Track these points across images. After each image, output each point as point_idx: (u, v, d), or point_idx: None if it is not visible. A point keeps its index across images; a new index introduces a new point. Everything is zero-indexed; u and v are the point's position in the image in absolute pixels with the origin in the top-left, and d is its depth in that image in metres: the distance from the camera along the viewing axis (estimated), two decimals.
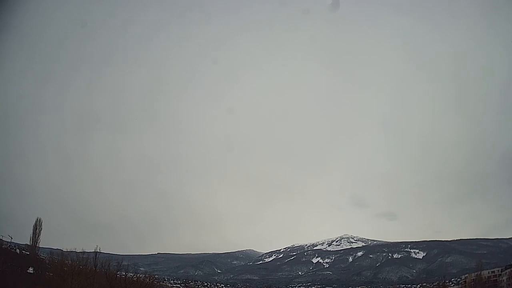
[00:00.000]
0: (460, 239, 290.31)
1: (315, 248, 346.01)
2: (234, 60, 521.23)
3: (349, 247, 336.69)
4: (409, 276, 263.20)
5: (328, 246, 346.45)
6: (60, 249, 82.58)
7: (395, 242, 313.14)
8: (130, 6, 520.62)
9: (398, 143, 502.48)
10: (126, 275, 79.93)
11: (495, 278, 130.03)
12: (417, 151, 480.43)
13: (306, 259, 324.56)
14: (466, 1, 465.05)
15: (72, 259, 67.23)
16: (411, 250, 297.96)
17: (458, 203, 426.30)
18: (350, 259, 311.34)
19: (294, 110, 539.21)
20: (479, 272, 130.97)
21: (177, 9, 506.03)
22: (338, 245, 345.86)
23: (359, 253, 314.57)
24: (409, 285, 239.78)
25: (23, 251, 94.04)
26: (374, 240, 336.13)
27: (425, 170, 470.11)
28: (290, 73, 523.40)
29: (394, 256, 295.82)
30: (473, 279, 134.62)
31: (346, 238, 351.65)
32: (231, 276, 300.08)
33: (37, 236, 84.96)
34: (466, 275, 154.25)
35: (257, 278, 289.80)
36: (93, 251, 74.50)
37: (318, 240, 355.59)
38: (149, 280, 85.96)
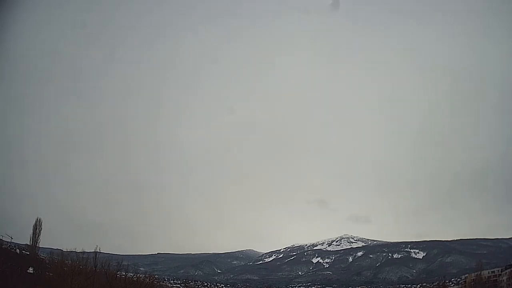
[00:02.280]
0: (460, 239, 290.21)
1: (315, 248, 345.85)
2: (233, 60, 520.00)
3: (349, 247, 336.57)
4: (409, 276, 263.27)
5: (328, 246, 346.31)
6: (60, 249, 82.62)
7: (395, 242, 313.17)
8: (128, 8, 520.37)
9: (394, 134, 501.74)
10: (126, 275, 79.90)
11: (495, 278, 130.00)
12: (412, 149, 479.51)
13: (306, 259, 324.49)
14: (464, 1, 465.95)
15: (72, 259, 67.25)
16: (411, 250, 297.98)
17: (457, 203, 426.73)
18: (350, 259, 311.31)
19: (294, 110, 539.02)
20: (479, 272, 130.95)
21: (176, 10, 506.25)
22: (338, 245, 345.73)
23: (359, 253, 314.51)
24: (409, 285, 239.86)
25: (23, 251, 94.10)
26: (374, 240, 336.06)
27: (421, 169, 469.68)
28: (289, 74, 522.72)
29: (394, 256, 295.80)
30: (473, 279, 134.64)
31: (346, 238, 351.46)
32: (231, 276, 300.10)
33: (37, 236, 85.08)
34: (466, 275, 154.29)
35: (257, 278, 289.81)
36: (93, 251, 74.60)
37: (318, 240, 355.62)
38: (149, 280, 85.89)
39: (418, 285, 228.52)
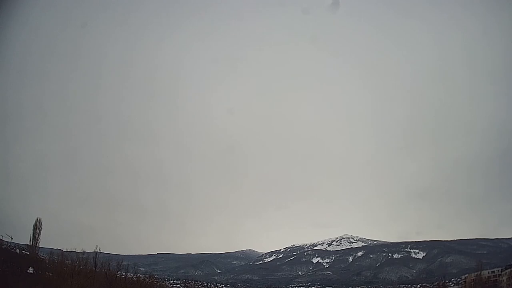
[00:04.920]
0: (460, 239, 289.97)
1: (315, 248, 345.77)
2: (233, 60, 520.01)
3: (349, 247, 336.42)
4: (409, 276, 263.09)
5: (328, 246, 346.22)
6: (60, 249, 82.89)
7: (395, 242, 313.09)
8: (125, 5, 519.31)
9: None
10: (126, 275, 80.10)
11: (495, 278, 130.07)
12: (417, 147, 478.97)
13: (306, 259, 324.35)
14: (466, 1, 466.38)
15: (72, 259, 67.51)
16: (411, 250, 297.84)
17: (458, 203, 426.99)
18: (350, 259, 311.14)
19: (294, 111, 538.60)
20: (479, 272, 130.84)
21: (175, 9, 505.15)
22: (338, 245, 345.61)
23: (359, 253, 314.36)
24: (409, 285, 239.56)
25: (23, 251, 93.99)
26: (374, 240, 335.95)
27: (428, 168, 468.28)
28: (288, 74, 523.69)
29: (394, 256, 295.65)
30: (473, 279, 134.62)
31: (346, 238, 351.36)
32: (231, 276, 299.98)
33: (37, 236, 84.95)
34: (466, 275, 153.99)
35: (257, 278, 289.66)
36: (93, 251, 74.72)
37: (318, 240, 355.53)
38: (149, 280, 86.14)
39: (418, 285, 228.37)
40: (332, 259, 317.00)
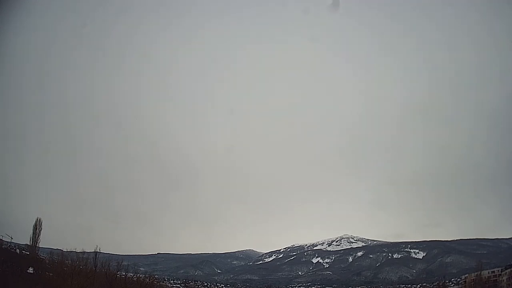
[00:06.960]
0: (460, 239, 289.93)
1: (315, 248, 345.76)
2: (232, 60, 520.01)
3: (349, 247, 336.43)
4: (409, 276, 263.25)
5: (328, 246, 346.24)
6: (60, 249, 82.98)
7: (395, 242, 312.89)
8: (127, 10, 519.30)
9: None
10: (126, 275, 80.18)
11: (495, 278, 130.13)
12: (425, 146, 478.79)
13: (306, 259, 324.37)
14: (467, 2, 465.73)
15: (72, 259, 67.65)
16: (411, 250, 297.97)
17: (458, 203, 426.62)
18: (350, 259, 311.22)
19: (294, 111, 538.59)
20: (479, 272, 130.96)
21: (175, 10, 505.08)
22: (338, 245, 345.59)
23: (359, 253, 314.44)
24: (409, 285, 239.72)
25: (23, 251, 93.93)
26: (374, 240, 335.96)
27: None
28: (288, 74, 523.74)
29: (394, 256, 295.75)
30: (473, 279, 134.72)
31: (346, 238, 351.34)
32: (231, 276, 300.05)
33: (37, 236, 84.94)
34: (466, 275, 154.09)
35: (257, 278, 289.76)
36: (93, 251, 74.80)
37: (318, 240, 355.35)
38: (149, 280, 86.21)
39: (418, 285, 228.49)
40: (332, 259, 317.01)
